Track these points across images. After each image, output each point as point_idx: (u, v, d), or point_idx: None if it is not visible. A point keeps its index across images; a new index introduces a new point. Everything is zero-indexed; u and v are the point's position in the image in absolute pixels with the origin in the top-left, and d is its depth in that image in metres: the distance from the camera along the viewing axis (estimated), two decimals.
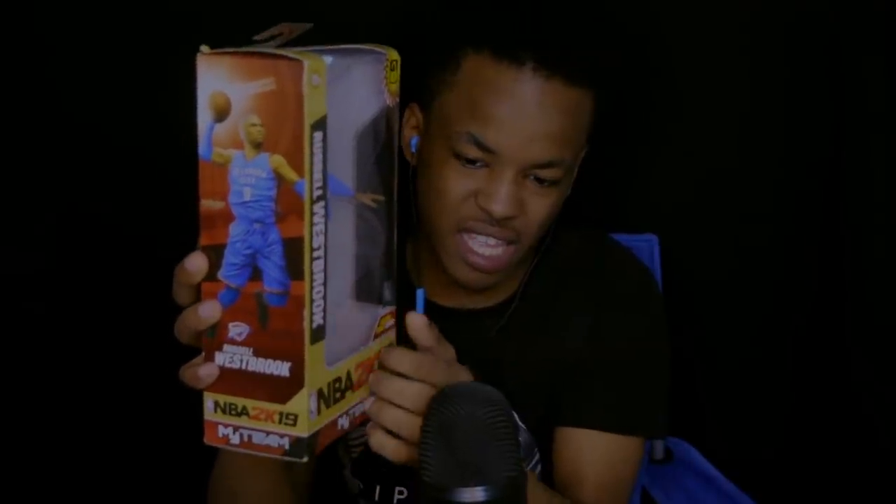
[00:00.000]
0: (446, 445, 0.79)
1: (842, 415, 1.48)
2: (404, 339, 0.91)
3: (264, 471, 1.05)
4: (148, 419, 1.52)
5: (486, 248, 1.13)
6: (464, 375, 0.91)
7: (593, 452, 1.17)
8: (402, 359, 0.87)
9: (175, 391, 1.40)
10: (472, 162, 1.10)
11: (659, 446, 1.46)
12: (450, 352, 0.92)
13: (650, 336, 1.24)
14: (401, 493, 1.25)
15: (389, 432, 0.88)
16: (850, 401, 1.47)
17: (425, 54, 1.11)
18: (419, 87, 1.14)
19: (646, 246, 1.43)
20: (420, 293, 0.92)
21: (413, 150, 1.16)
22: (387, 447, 0.87)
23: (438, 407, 0.81)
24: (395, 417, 0.86)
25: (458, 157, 1.10)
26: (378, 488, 1.26)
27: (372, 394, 0.88)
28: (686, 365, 1.45)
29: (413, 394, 0.86)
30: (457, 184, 1.11)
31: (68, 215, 1.50)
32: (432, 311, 0.92)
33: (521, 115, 1.07)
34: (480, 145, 1.08)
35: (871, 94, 1.40)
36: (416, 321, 0.88)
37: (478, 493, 0.78)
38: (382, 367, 0.88)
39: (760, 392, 1.53)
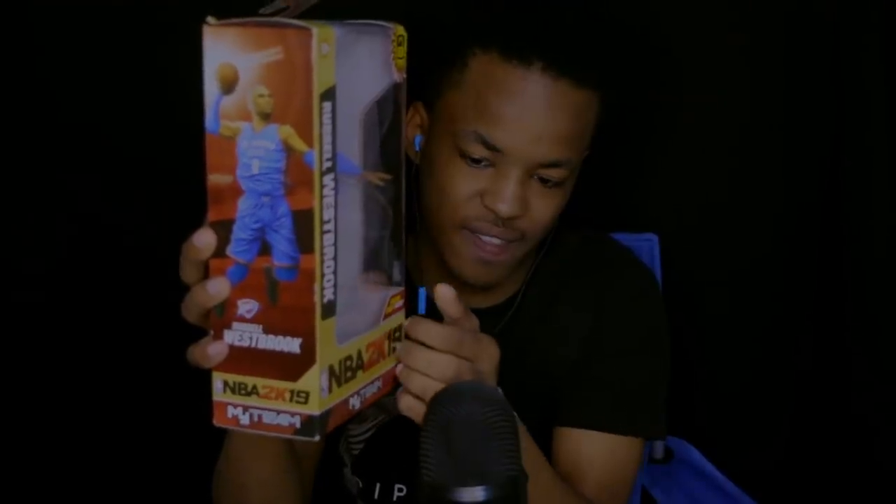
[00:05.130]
0: (446, 445, 0.78)
1: (841, 415, 1.48)
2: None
3: (272, 461, 1.05)
4: (150, 419, 1.52)
5: (489, 245, 1.13)
6: (489, 345, 0.93)
7: (592, 452, 1.17)
8: (430, 331, 0.88)
9: (179, 390, 1.41)
10: (477, 161, 1.10)
11: (659, 446, 1.47)
12: (474, 322, 0.93)
13: (650, 336, 1.24)
14: (400, 490, 1.25)
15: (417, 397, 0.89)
16: (849, 401, 1.47)
17: (432, 53, 1.11)
18: (424, 85, 1.14)
19: (646, 246, 1.43)
20: (422, 292, 0.92)
21: (417, 148, 1.16)
22: (414, 409, 0.88)
23: (438, 406, 0.80)
24: (424, 385, 0.87)
25: (464, 156, 1.10)
26: (378, 486, 1.26)
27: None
28: (686, 365, 1.45)
29: (441, 365, 0.87)
30: (462, 183, 1.11)
31: (75, 218, 1.50)
32: (434, 310, 0.92)
33: (529, 114, 1.08)
34: (487, 144, 1.09)
35: (872, 94, 1.40)
36: (446, 293, 0.90)
37: (478, 492, 0.77)
38: (409, 337, 0.89)
39: (760, 392, 1.53)
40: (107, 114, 1.47)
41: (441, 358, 0.88)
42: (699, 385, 1.53)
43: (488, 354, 0.92)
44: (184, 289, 0.81)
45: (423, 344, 0.88)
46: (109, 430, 1.53)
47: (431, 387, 0.86)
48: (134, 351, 1.52)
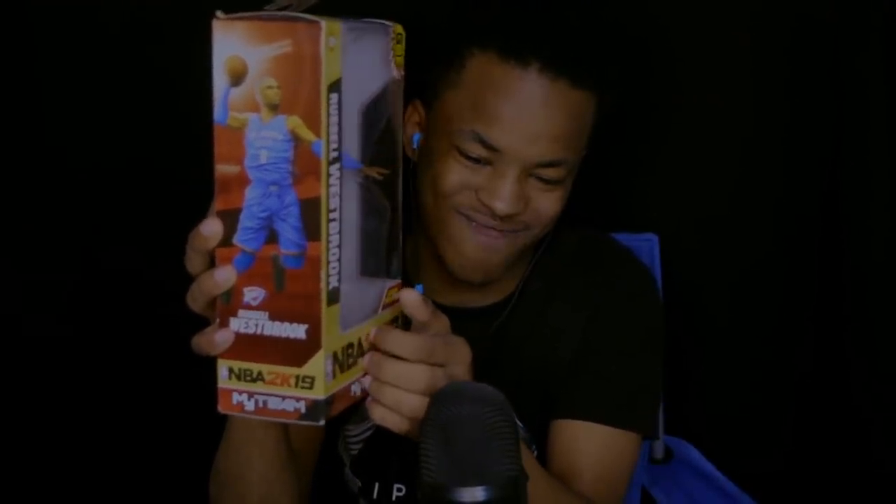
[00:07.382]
0: (446, 445, 0.79)
1: (841, 416, 1.48)
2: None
3: (270, 455, 1.05)
4: (148, 420, 1.52)
5: (487, 229, 1.13)
6: (460, 347, 0.90)
7: (589, 444, 1.17)
8: (398, 341, 0.86)
9: (177, 391, 1.41)
10: (475, 160, 1.10)
11: (659, 446, 1.47)
12: (444, 323, 0.90)
13: (648, 336, 1.24)
14: (399, 490, 1.25)
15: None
16: (849, 401, 1.47)
17: (430, 53, 1.12)
18: (422, 84, 1.14)
19: (646, 246, 1.43)
20: (418, 290, 0.92)
21: (415, 146, 1.17)
22: (388, 420, 0.86)
23: (438, 407, 0.80)
24: (396, 398, 0.85)
25: (462, 154, 1.10)
26: (376, 486, 1.26)
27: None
28: (686, 365, 1.46)
29: (413, 376, 0.85)
30: (458, 179, 1.11)
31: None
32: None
33: (526, 114, 1.08)
34: (485, 144, 1.09)
35: (872, 95, 1.40)
36: (412, 297, 0.88)
37: (478, 492, 0.77)
38: (378, 348, 0.86)
39: (760, 392, 1.53)
40: (104, 116, 1.47)
41: (412, 369, 0.85)
42: (699, 385, 1.53)
43: (460, 356, 0.89)
44: (189, 279, 0.81)
45: (392, 354, 0.86)
46: (110, 431, 1.53)
47: (404, 399, 0.84)
48: (133, 353, 1.52)
